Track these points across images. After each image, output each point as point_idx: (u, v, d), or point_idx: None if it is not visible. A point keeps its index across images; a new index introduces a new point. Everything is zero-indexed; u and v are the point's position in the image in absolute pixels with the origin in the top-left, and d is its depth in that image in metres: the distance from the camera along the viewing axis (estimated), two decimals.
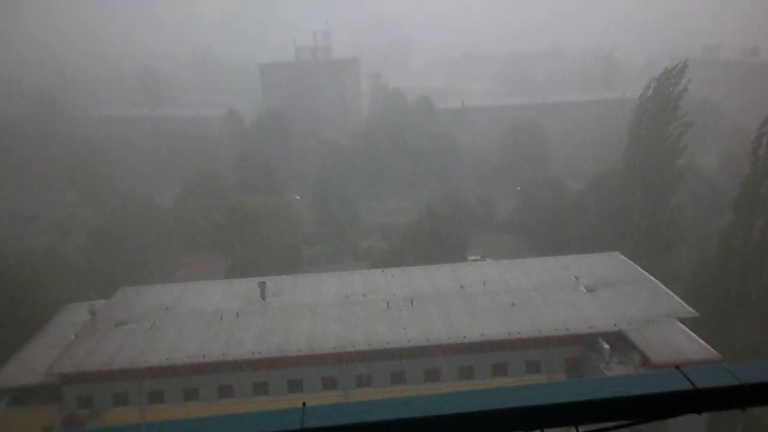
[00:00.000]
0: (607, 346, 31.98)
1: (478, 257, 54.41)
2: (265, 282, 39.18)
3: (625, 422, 1.46)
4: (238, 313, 36.93)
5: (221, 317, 36.53)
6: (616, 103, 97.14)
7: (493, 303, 36.63)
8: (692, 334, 32.07)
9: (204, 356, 32.77)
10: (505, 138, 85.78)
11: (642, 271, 40.24)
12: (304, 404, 1.51)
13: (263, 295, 38.47)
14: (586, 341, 33.29)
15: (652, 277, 39.04)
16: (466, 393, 1.53)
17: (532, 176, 69.38)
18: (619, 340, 32.70)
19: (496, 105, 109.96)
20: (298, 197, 77.10)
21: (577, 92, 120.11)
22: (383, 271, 42.96)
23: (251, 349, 33.23)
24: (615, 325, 33.39)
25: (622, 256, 42.67)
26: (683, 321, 33.53)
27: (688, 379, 1.45)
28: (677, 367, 1.52)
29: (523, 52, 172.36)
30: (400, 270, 42.67)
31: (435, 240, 52.41)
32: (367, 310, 36.48)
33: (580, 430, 1.48)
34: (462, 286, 38.92)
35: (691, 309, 34.72)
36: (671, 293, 36.73)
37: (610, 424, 1.45)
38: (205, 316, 36.87)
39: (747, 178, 41.62)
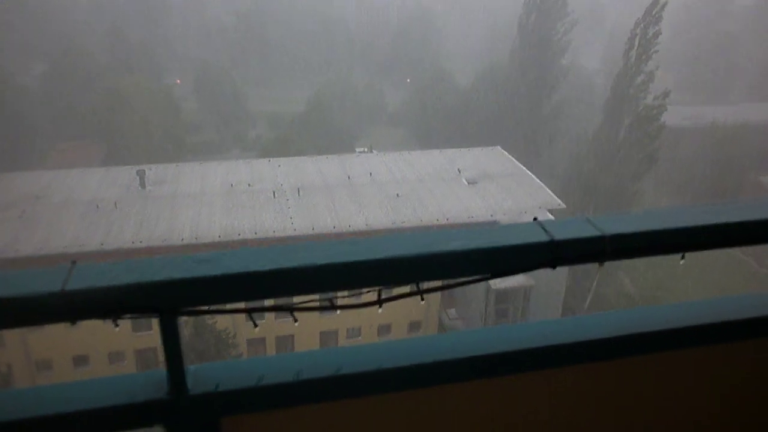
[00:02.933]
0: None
1: (366, 149, 54.88)
2: (144, 170, 37.58)
3: (476, 277, 1.33)
4: (116, 202, 35.45)
5: (98, 206, 34.94)
6: None
7: (378, 194, 37.51)
8: None
9: (81, 245, 31.52)
10: (397, 27, 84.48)
11: (520, 165, 42.43)
12: (73, 262, 1.22)
13: (143, 184, 37.01)
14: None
15: (528, 172, 41.33)
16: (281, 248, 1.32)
17: (423, 69, 69.49)
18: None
19: None
20: (178, 81, 72.84)
21: None
22: (270, 160, 42.42)
23: (131, 238, 32.33)
24: (491, 215, 35.43)
25: (503, 151, 44.60)
26: (552, 212, 36.17)
27: (545, 230, 1.34)
28: (535, 219, 1.39)
29: None
30: (288, 160, 42.32)
31: (323, 131, 52.05)
32: (253, 200, 36.24)
33: (422, 286, 1.34)
34: (349, 177, 39.38)
35: (560, 201, 37.40)
36: (544, 187, 39.22)
37: (459, 279, 1.33)
38: (81, 205, 35.11)
39: (617, 78, 43.98)
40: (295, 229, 33.63)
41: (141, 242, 32.06)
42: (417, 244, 1.32)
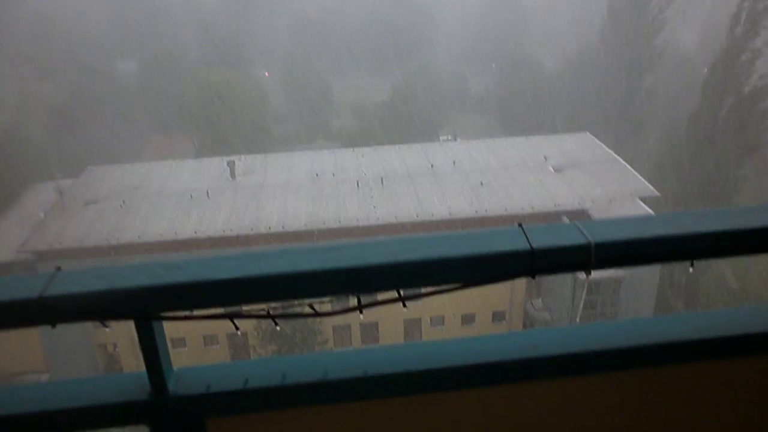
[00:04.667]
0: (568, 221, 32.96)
1: (450, 137, 54.35)
2: (234, 161, 38.88)
3: (449, 286, 1.29)
4: (208, 192, 36.90)
5: (191, 196, 36.50)
6: None
7: (462, 182, 37.06)
8: (651, 211, 33.13)
9: (176, 233, 33.07)
10: (482, 13, 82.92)
11: (610, 151, 40.73)
12: (58, 268, 1.27)
13: (233, 174, 38.32)
14: (551, 219, 34.25)
15: (619, 158, 39.61)
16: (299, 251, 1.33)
17: (508, 54, 67.89)
18: (581, 217, 33.69)
19: None
20: (267, 74, 74.79)
21: None
22: (354, 150, 42.81)
23: (222, 226, 33.57)
24: (579, 203, 34.23)
25: (592, 137, 42.95)
26: (645, 200, 34.50)
27: (526, 238, 1.27)
28: (519, 225, 1.33)
29: None
30: (371, 149, 42.57)
31: (407, 119, 51.98)
32: (337, 189, 36.73)
33: (402, 293, 1.30)
34: (432, 166, 39.13)
35: (653, 188, 35.61)
36: (636, 174, 37.47)
37: (431, 289, 1.29)
38: (175, 195, 36.81)
39: (718, 57, 41.16)
40: (378, 218, 33.82)
41: (231, 230, 33.24)
42: (390, 252, 1.29)
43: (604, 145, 41.77)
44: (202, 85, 55.28)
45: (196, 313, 1.30)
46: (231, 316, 1.33)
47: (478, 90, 68.08)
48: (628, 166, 38.39)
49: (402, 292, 1.31)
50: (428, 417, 1.51)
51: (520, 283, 33.62)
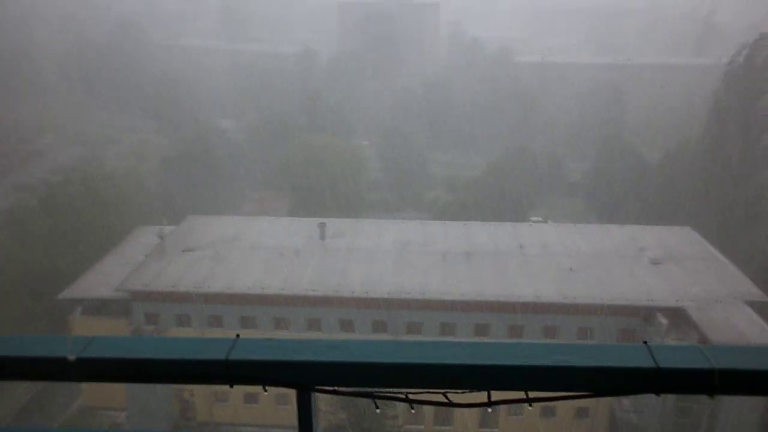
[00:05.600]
0: (665, 321, 31.17)
1: (541, 219, 53.48)
2: (325, 223, 39.86)
3: (576, 393, 1.39)
4: (297, 251, 37.88)
5: (281, 253, 37.57)
6: (708, 69, 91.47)
7: (550, 266, 36.11)
8: (759, 318, 30.80)
9: (263, 288, 33.96)
10: (582, 98, 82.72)
11: (712, 248, 38.62)
12: (237, 336, 1.45)
13: (323, 236, 39.21)
14: (644, 314, 32.54)
15: (722, 256, 37.44)
16: (391, 342, 1.46)
17: (608, 140, 66.88)
18: (678, 317, 31.79)
19: (578, 62, 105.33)
20: (366, 142, 77.27)
21: (667, 54, 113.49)
22: (443, 223, 42.91)
23: (308, 286, 34.17)
24: (677, 301, 32.40)
25: (694, 232, 40.99)
26: (752, 304, 32.19)
27: (652, 356, 1.34)
28: (645, 342, 1.40)
29: (617, 7, 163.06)
30: (461, 224, 42.48)
31: (499, 197, 51.75)
32: (423, 261, 36.70)
33: (529, 395, 1.42)
34: (521, 246, 38.48)
35: (761, 292, 33.23)
36: (742, 274, 35.19)
37: (558, 393, 1.38)
38: (267, 251, 38.01)
39: None
40: (462, 294, 33.36)
41: (315, 291, 33.77)
42: (523, 355, 1.40)
43: (705, 241, 39.70)
44: (304, 148, 57.77)
45: (343, 389, 1.46)
46: (373, 396, 1.48)
47: (573, 174, 67.14)
48: (732, 265, 36.15)
49: (529, 394, 1.43)
50: None
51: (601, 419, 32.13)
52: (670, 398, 30.20)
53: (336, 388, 1.44)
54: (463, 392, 1.40)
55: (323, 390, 1.43)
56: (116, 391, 33.49)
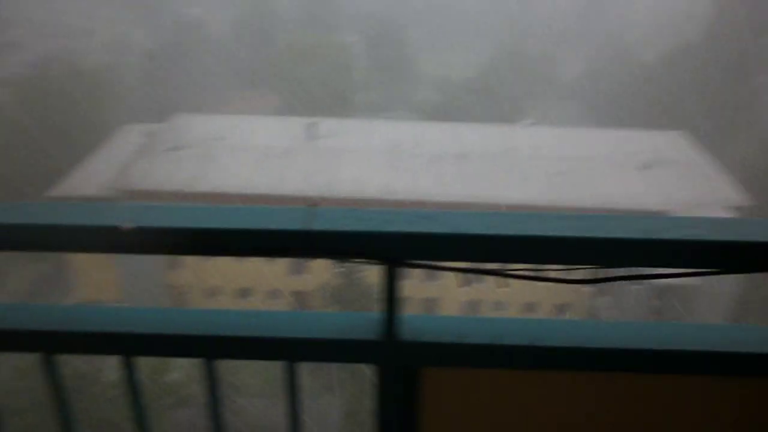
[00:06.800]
0: None
1: (532, 121, 52.94)
2: (314, 123, 39.18)
3: (702, 270, 1.23)
4: (286, 150, 37.41)
5: (269, 153, 37.11)
6: None
7: (540, 169, 36.09)
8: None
9: (253, 188, 33.79)
10: None
11: (703, 153, 38.62)
12: (314, 204, 1.32)
13: (311, 136, 38.65)
14: None
15: (712, 161, 37.52)
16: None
17: (605, 40, 65.16)
18: None
19: None
20: (354, 40, 74.69)
21: None
22: (434, 124, 42.35)
23: (296, 186, 34.02)
24: (663, 205, 32.71)
25: (685, 136, 40.82)
26: (738, 209, 32.61)
27: None
28: None
29: None
30: (451, 125, 41.97)
31: (490, 98, 50.91)
32: (413, 162, 36.49)
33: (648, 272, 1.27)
34: (510, 149, 38.25)
35: (749, 198, 33.59)
36: (730, 179, 35.42)
37: (684, 270, 1.23)
38: (255, 151, 37.52)
39: None
40: (451, 196, 33.43)
41: (304, 191, 33.66)
42: (644, 228, 1.26)
43: (698, 146, 39.63)
44: (291, 46, 55.82)
45: (433, 263, 1.33)
46: (463, 270, 1.35)
47: (568, 76, 65.79)
48: (722, 170, 36.32)
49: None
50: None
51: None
52: (646, 295, 31.21)
53: (431, 262, 1.32)
54: (568, 269, 1.28)
55: (414, 264, 1.30)
56: (112, 285, 33.90)
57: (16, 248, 1.40)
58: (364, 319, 1.49)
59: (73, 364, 18.52)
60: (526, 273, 1.32)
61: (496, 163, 36.63)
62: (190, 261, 33.07)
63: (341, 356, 1.50)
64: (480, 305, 34.68)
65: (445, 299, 34.15)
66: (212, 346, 1.49)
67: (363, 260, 1.31)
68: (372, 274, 30.55)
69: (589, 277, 1.32)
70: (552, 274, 1.34)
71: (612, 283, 1.48)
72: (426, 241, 1.28)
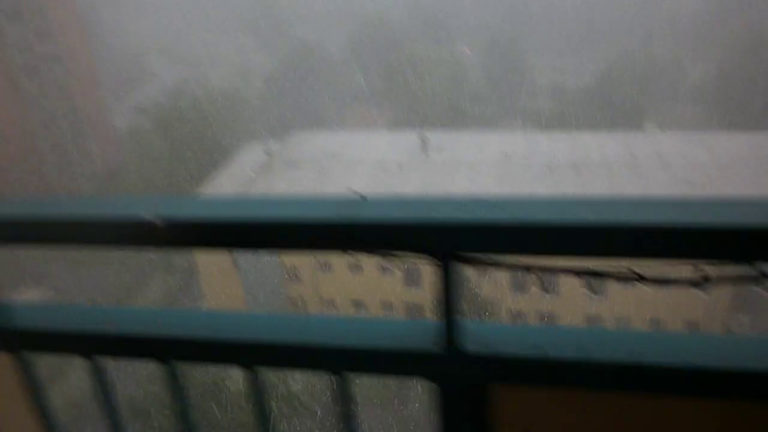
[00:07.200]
0: None
1: (656, 126, 50.13)
2: (427, 136, 39.41)
3: None
4: (400, 164, 37.89)
5: (384, 167, 37.75)
6: None
7: (665, 178, 34.01)
8: None
9: None
10: None
11: None
12: (363, 197, 1.18)
13: (425, 149, 38.89)
14: None
15: None
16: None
17: (738, 37, 60.46)
18: None
19: None
20: (468, 51, 74.50)
21: None
22: (549, 134, 41.22)
23: None
24: None
25: None
26: None
27: None
28: None
29: None
30: (567, 135, 40.64)
31: (610, 105, 48.79)
32: (527, 173, 35.69)
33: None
34: (633, 157, 36.38)
35: None
36: None
37: None
38: (370, 165, 38.31)
39: None
40: None
41: None
42: (756, 214, 0.98)
43: None
44: (406, 59, 56.68)
45: (497, 259, 1.09)
46: (531, 269, 1.11)
47: (696, 77, 61.72)
48: None
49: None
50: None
51: (724, 293, 30.26)
52: None
53: (492, 257, 1.09)
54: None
55: (472, 259, 1.09)
56: (237, 297, 35.74)
57: (46, 243, 1.31)
58: (421, 327, 1.29)
59: (199, 370, 19.72)
60: (617, 272, 1.06)
61: (615, 172, 35.00)
62: (307, 273, 34.32)
63: (394, 368, 1.30)
64: (601, 321, 33.15)
65: (565, 314, 32.93)
66: (254, 354, 1.34)
67: (413, 254, 1.11)
68: (491, 285, 30.16)
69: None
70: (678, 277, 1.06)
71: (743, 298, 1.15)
72: (484, 232, 1.06)
